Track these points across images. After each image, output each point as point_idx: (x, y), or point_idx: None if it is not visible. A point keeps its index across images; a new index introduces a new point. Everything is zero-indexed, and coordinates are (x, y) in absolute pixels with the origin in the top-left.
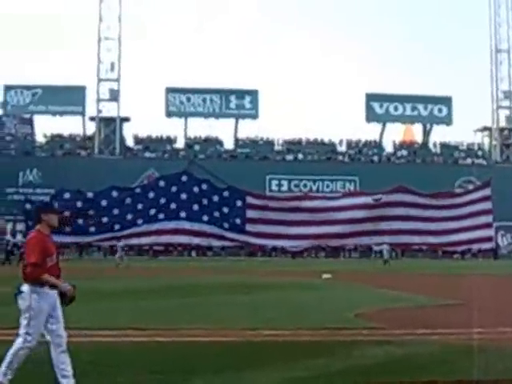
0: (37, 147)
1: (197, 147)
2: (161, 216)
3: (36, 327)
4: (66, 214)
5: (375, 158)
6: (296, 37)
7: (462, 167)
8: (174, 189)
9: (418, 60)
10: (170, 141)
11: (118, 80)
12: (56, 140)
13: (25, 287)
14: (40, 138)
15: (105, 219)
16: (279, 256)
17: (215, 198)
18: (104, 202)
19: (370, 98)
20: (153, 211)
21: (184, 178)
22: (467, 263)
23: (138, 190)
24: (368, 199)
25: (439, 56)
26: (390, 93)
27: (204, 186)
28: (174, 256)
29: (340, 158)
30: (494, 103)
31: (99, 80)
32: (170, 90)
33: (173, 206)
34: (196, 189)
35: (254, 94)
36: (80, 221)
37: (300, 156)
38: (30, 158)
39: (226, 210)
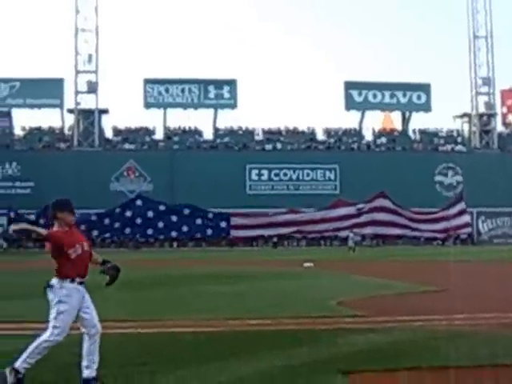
0: (15, 140)
1: (176, 138)
2: (149, 231)
3: (64, 322)
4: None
5: (355, 146)
6: (274, 26)
7: (441, 154)
8: (162, 208)
9: (396, 47)
10: (149, 132)
11: (95, 72)
12: (34, 133)
13: (54, 281)
14: (18, 131)
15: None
16: (260, 245)
17: (199, 221)
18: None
19: (349, 86)
20: (142, 227)
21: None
22: (448, 250)
23: (128, 213)
24: (352, 209)
25: (417, 43)
26: (369, 81)
27: (186, 211)
28: (156, 247)
29: (320, 146)
30: (472, 89)
31: (77, 72)
32: (148, 81)
33: (161, 224)
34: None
35: (232, 83)
36: None
37: (279, 145)
38: (9, 151)
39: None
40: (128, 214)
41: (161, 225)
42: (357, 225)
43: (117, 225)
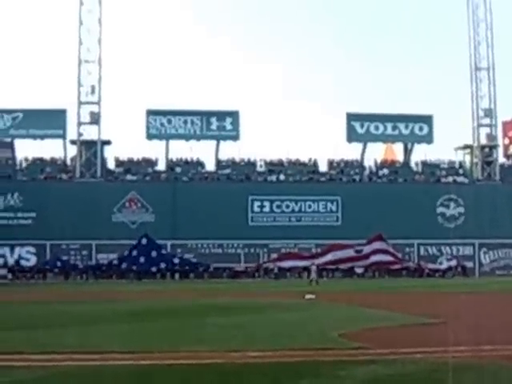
0: (18, 171)
1: (178, 169)
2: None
3: None
4: None
5: (357, 178)
6: (275, 57)
7: (443, 185)
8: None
9: (398, 79)
10: (152, 163)
11: (98, 103)
12: (37, 164)
13: None
14: (21, 162)
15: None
16: (262, 277)
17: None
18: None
19: (351, 117)
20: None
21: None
22: (447, 281)
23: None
24: (349, 252)
25: (419, 75)
26: (371, 112)
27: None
28: (157, 279)
29: (322, 178)
30: (474, 121)
31: (80, 103)
32: (151, 113)
33: (163, 265)
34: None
35: (234, 115)
36: None
37: (282, 177)
38: (11, 181)
39: None
40: (134, 253)
41: (163, 265)
42: (359, 266)
43: (124, 265)
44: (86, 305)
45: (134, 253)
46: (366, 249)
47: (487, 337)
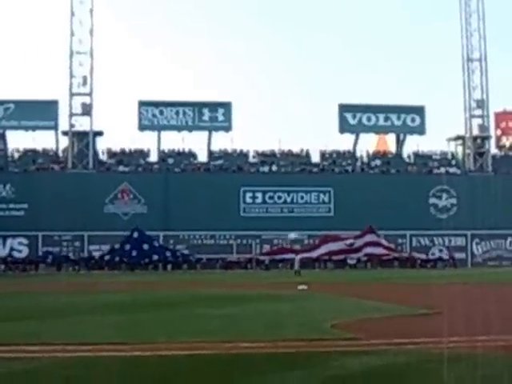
0: (10, 162)
1: (170, 160)
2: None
3: None
4: None
5: (349, 169)
6: (268, 48)
7: (435, 176)
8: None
9: (390, 70)
10: (144, 154)
11: (90, 94)
12: (29, 155)
13: None
14: (13, 153)
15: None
16: (254, 268)
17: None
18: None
19: (343, 108)
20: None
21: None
22: (440, 272)
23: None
24: (341, 244)
25: (411, 66)
26: (363, 103)
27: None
28: (150, 270)
29: (314, 169)
30: (466, 112)
31: (72, 94)
32: (143, 104)
33: (155, 257)
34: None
35: (227, 106)
36: None
37: (274, 168)
38: (3, 173)
39: None
40: (127, 247)
41: (155, 257)
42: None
43: (116, 259)
44: (79, 296)
45: (127, 247)
46: (358, 242)
47: (480, 327)
